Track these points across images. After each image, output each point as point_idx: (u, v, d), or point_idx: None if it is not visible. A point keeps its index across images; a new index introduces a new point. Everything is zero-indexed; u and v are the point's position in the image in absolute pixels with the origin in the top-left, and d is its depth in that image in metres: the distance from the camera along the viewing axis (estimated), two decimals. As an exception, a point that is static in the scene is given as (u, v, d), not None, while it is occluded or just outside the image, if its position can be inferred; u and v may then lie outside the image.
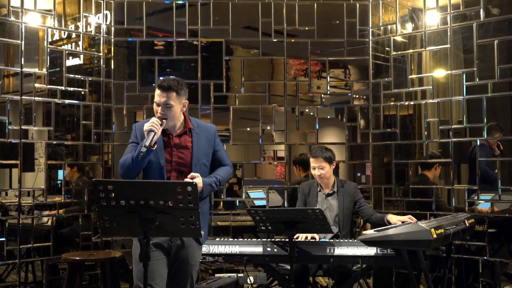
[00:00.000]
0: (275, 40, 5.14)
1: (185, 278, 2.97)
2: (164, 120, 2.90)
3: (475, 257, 4.47)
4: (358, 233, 4.72)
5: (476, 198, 4.55)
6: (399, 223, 3.66)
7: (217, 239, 3.79)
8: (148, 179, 2.95)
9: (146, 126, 2.84)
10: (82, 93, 5.06)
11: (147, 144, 2.77)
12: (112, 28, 5.15)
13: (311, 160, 4.09)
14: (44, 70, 4.79)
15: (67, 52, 5.01)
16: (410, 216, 3.76)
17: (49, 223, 4.99)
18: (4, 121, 4.49)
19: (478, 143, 4.63)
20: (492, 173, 4.68)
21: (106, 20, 5.18)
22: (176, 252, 2.96)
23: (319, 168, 4.04)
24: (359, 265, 3.68)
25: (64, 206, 5.07)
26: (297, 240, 3.62)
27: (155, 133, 2.82)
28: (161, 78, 3.01)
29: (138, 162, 2.85)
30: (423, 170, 5.03)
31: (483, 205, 4.52)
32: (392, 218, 3.80)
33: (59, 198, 5.04)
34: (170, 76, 3.01)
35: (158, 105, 2.94)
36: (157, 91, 2.95)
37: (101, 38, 5.12)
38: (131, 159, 2.89)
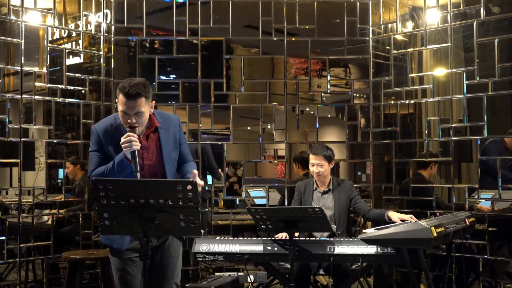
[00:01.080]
0: (275, 38, 5.13)
1: (171, 271, 2.96)
2: (136, 129, 2.76)
3: (476, 256, 4.46)
4: (359, 232, 4.72)
5: (476, 197, 4.55)
6: (399, 222, 3.66)
7: (217, 237, 3.79)
8: None
9: (125, 147, 2.68)
10: (82, 91, 5.05)
11: (139, 169, 2.67)
12: (112, 27, 5.15)
13: (311, 156, 4.10)
14: (44, 69, 4.78)
15: (67, 51, 4.99)
16: (411, 215, 3.73)
17: (50, 222, 4.99)
18: (4, 120, 4.48)
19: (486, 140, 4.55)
20: (506, 173, 4.56)
21: (106, 19, 5.18)
22: (155, 252, 2.92)
23: (318, 166, 4.06)
24: (359, 263, 3.67)
25: (64, 205, 5.07)
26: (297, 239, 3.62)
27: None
28: (122, 82, 2.75)
29: (118, 176, 2.73)
30: (418, 169, 5.01)
31: (484, 203, 4.51)
32: (393, 215, 3.78)
33: (60, 197, 5.04)
34: (133, 79, 2.76)
35: (126, 113, 2.74)
36: (123, 99, 2.71)
37: (101, 36, 5.11)
38: (110, 175, 2.75)
